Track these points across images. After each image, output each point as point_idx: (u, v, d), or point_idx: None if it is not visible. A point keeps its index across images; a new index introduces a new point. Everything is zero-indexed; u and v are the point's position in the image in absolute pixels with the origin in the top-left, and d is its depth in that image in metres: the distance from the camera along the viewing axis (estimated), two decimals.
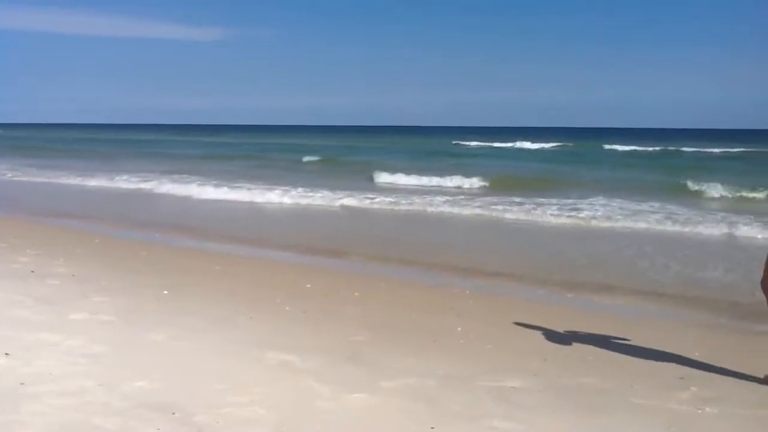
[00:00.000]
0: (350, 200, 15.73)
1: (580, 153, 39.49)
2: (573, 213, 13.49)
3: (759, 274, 4.67)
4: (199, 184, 18.50)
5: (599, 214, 13.33)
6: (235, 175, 22.14)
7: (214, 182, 18.91)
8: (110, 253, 9.01)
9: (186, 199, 16.66)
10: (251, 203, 15.95)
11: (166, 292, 6.65)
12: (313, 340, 5.24)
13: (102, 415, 3.59)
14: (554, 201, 15.06)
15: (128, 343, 4.95)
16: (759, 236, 10.98)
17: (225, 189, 17.44)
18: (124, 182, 20.05)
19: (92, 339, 4.93)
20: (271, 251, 9.69)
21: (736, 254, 9.67)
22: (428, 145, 48.74)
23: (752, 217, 12.54)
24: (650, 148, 40.34)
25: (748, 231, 11.37)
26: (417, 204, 15.16)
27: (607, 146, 44.99)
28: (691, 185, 18.31)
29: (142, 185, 19.25)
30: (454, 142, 52.17)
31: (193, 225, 12.38)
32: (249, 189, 17.28)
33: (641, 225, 12.19)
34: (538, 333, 5.68)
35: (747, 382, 4.53)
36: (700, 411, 4.01)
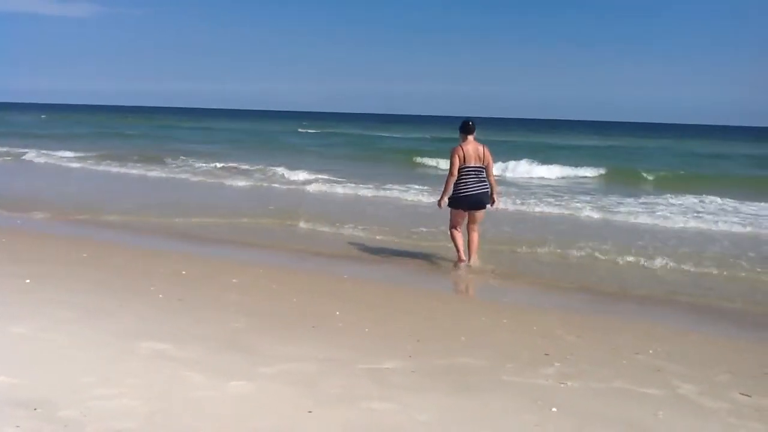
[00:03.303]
0: None
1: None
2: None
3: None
4: None
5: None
6: None
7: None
8: None
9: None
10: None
11: (28, 281, 6.26)
12: (189, 328, 5.11)
13: None
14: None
15: None
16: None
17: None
18: None
19: None
20: (143, 237, 9.34)
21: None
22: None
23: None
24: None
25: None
26: None
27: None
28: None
29: None
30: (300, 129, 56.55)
31: (55, 208, 11.69)
32: None
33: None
34: (413, 315, 5.85)
35: (602, 358, 4.87)
36: (562, 385, 4.27)
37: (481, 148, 7.98)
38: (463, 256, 8.10)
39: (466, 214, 8.08)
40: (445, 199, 8.11)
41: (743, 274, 8.03)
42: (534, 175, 21.20)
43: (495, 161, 8.33)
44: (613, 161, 25.84)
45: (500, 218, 10.79)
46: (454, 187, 7.98)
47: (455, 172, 7.87)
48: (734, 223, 11.79)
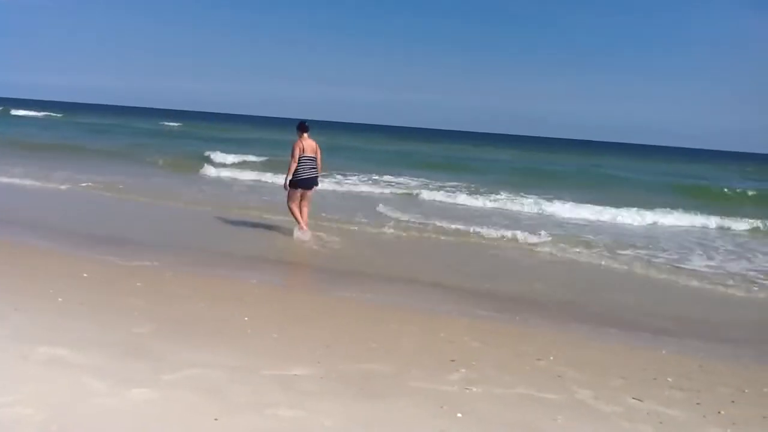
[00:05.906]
0: None
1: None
2: None
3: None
4: None
5: None
6: None
7: None
8: None
9: None
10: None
11: None
12: (90, 333, 4.93)
13: None
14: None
15: None
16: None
17: None
18: None
19: None
20: (40, 238, 8.91)
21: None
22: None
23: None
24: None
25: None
26: None
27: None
28: None
29: None
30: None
31: None
32: None
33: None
34: (323, 321, 5.84)
35: (506, 364, 5.03)
36: (467, 391, 4.39)
37: (313, 143, 10.37)
38: (303, 225, 10.31)
39: (301, 192, 10.35)
40: (288, 182, 10.24)
41: (636, 278, 8.47)
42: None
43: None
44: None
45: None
46: (294, 172, 10.17)
47: (297, 160, 10.13)
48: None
